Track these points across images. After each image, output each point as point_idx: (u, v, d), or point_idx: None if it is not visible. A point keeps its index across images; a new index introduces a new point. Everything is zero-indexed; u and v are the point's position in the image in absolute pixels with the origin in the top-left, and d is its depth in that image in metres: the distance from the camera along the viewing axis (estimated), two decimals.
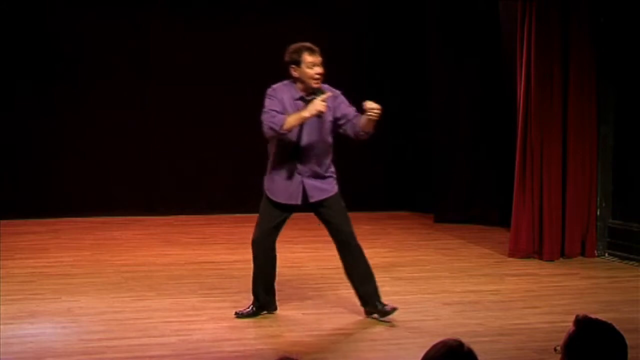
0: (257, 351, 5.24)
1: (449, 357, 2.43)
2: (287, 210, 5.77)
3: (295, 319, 5.89)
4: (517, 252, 7.81)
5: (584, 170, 7.81)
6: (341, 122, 5.68)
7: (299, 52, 5.56)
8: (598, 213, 7.92)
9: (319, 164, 5.70)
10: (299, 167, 5.67)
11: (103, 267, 7.30)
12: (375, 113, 5.44)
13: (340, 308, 6.17)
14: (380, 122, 10.71)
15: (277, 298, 5.98)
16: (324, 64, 5.61)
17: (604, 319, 2.64)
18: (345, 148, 9.97)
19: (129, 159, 9.57)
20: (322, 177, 5.72)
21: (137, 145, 9.63)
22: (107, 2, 9.47)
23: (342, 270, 7.24)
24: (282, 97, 5.63)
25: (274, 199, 5.73)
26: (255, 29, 9.64)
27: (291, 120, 5.53)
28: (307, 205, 5.75)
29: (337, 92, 5.72)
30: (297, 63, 5.57)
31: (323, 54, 10.24)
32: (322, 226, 5.88)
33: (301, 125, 5.57)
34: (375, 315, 5.81)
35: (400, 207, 10.00)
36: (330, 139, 5.73)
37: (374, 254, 7.92)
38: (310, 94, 5.58)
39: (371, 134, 5.67)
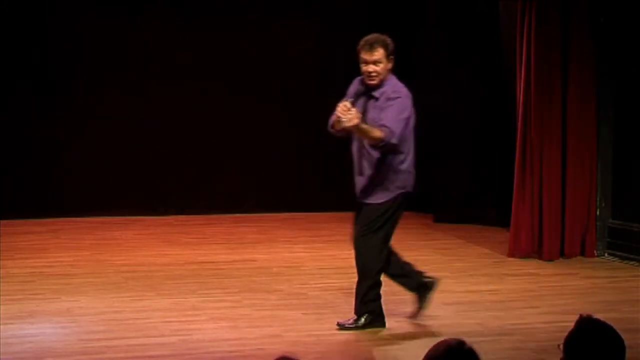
0: (256, 351, 5.24)
1: (450, 356, 2.44)
2: None
3: (295, 319, 5.89)
4: (516, 252, 7.80)
5: (583, 170, 7.80)
6: None
7: (360, 47, 5.43)
8: (598, 213, 7.91)
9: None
10: None
11: (103, 267, 7.30)
12: (344, 120, 5.21)
13: (340, 308, 6.16)
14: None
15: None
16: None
17: (603, 319, 2.65)
18: (344, 148, 10.02)
19: (129, 159, 9.56)
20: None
21: (137, 145, 9.62)
22: (107, 2, 9.46)
23: (341, 270, 7.27)
24: (351, 92, 5.53)
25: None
26: (256, 29, 9.62)
27: (335, 120, 5.42)
28: None
29: (397, 95, 5.43)
30: (358, 56, 5.45)
31: (323, 54, 10.26)
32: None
33: None
34: None
35: None
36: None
37: None
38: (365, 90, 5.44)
39: (372, 145, 5.37)
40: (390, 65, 5.45)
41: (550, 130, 7.68)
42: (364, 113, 5.34)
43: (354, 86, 5.58)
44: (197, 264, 7.47)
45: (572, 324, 2.65)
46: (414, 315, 5.80)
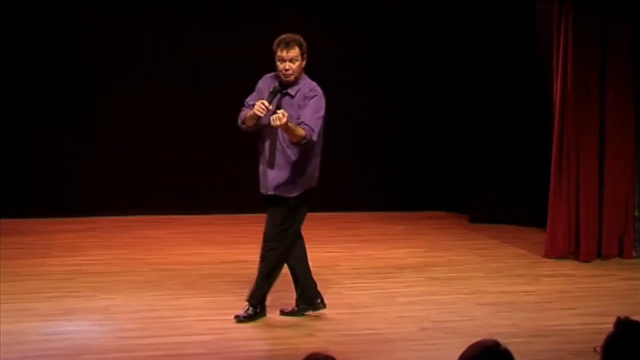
0: (291, 350, 5.26)
1: (486, 356, 2.44)
2: None
3: (329, 319, 5.90)
4: (552, 252, 7.75)
5: (621, 170, 7.72)
6: None
7: (277, 44, 5.60)
8: (636, 213, 7.82)
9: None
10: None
11: (139, 265, 7.36)
12: (273, 118, 5.36)
13: (375, 308, 6.17)
14: (415, 122, 10.58)
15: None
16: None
17: None
18: (377, 148, 10.03)
19: (164, 158, 9.61)
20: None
21: (172, 145, 9.67)
22: (115, 3, 9.47)
23: (376, 270, 7.28)
24: (259, 89, 5.75)
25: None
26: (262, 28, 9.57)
27: (248, 117, 5.64)
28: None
29: (313, 93, 5.60)
30: (274, 54, 5.62)
31: (357, 51, 10.16)
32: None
33: None
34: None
35: (435, 207, 9.96)
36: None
37: (408, 254, 7.93)
38: (280, 87, 5.62)
39: (295, 142, 5.52)
40: (303, 64, 5.63)
41: (587, 130, 7.62)
42: (277, 109, 5.48)
43: (265, 82, 5.74)
44: (232, 262, 7.51)
45: (609, 326, 2.64)
46: (285, 312, 5.92)
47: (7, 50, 9.21)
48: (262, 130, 5.71)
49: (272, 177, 5.68)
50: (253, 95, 5.77)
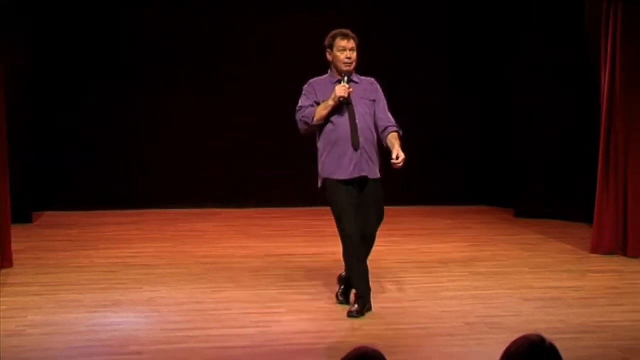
0: (335, 344, 5.26)
1: (531, 352, 2.41)
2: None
3: (374, 313, 5.88)
4: (599, 248, 7.65)
5: None
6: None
7: (334, 36, 5.84)
8: None
9: None
10: None
11: (184, 258, 7.42)
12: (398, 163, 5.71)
13: (420, 302, 6.15)
14: (460, 117, 10.49)
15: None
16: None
17: None
18: (423, 142, 9.98)
19: (209, 152, 9.68)
20: None
21: (217, 139, 9.73)
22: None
23: (421, 264, 7.25)
24: (317, 89, 5.87)
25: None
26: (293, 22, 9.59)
27: (320, 109, 5.77)
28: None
29: (374, 83, 5.92)
30: (331, 47, 5.83)
31: (407, 46, 10.13)
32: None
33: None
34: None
35: (480, 201, 9.89)
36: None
37: (453, 248, 7.89)
38: (342, 77, 5.79)
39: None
40: None
41: (635, 123, 7.50)
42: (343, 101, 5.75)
43: (319, 84, 5.88)
44: (277, 256, 7.53)
45: None
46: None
47: (59, 45, 9.33)
48: (335, 117, 5.78)
49: (360, 160, 5.79)
50: (308, 96, 5.85)
